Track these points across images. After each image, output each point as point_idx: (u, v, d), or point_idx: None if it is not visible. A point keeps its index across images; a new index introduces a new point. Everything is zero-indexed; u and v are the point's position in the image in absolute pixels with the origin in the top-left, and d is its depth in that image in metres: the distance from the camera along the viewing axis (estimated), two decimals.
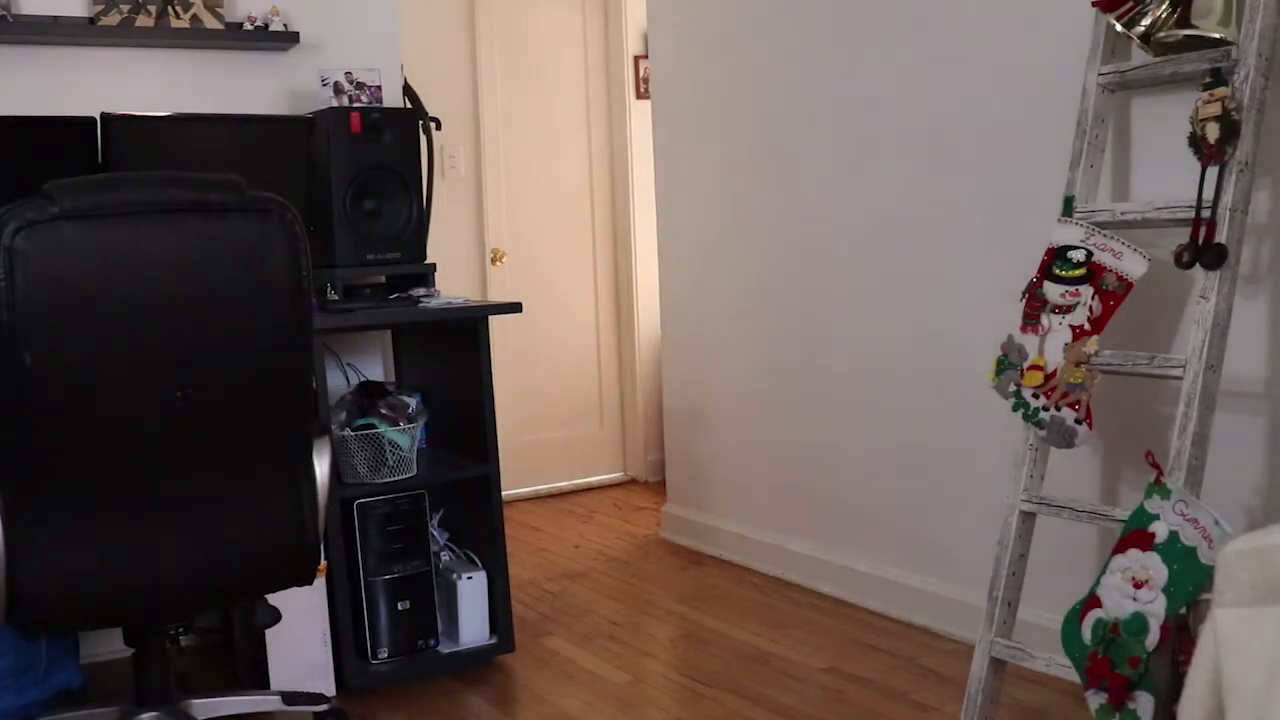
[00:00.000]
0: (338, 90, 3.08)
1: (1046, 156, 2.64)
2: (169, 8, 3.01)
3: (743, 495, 3.84)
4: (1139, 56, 2.35)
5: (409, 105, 3.34)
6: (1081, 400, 2.26)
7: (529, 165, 4.89)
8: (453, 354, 3.03)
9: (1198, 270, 2.13)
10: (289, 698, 2.52)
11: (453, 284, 4.71)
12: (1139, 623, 2.02)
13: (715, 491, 3.95)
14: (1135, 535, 2.06)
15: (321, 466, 2.22)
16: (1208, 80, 2.12)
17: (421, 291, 3.02)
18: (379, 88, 3.14)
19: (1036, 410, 2.31)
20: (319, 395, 2.73)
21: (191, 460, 2.04)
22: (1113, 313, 2.25)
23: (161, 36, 3.02)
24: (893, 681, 2.75)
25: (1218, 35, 2.16)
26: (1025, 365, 2.32)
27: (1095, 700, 2.07)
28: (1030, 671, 2.40)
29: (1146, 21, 2.28)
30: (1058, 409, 2.28)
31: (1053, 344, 2.29)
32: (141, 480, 2.01)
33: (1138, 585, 2.04)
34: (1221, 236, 2.10)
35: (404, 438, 2.81)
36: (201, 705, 2.39)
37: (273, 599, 2.58)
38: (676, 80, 4.02)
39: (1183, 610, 1.99)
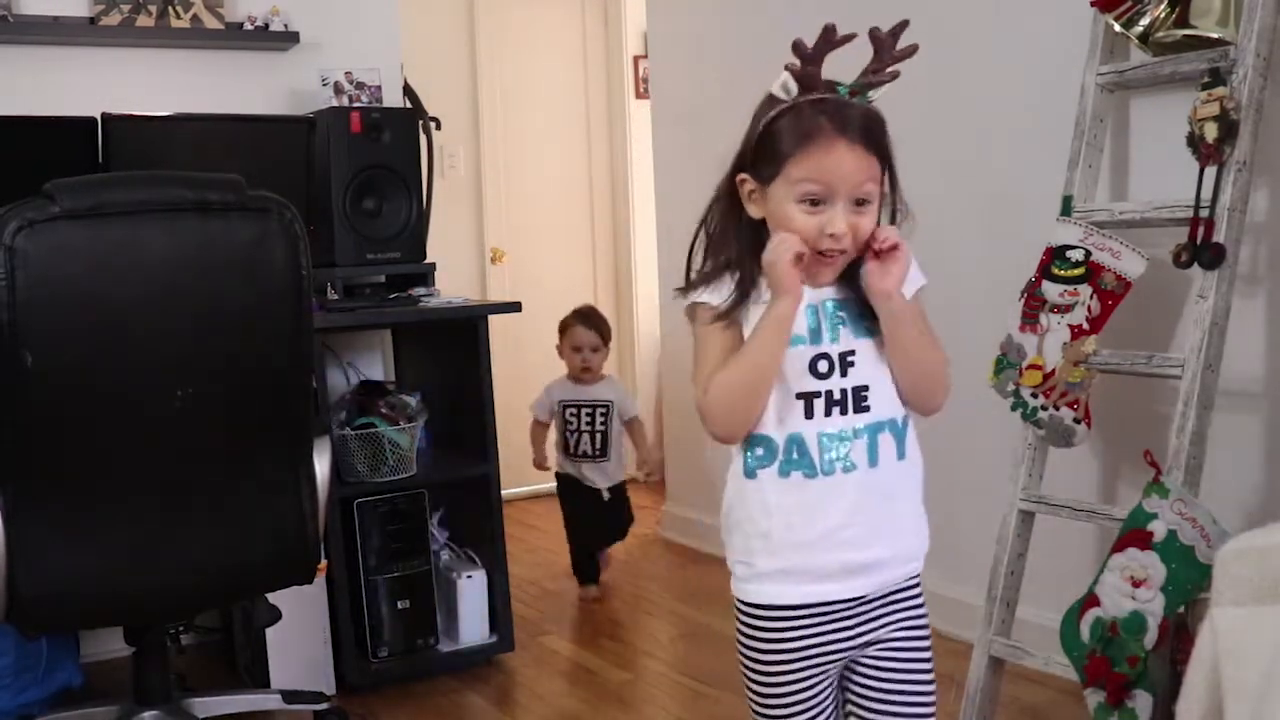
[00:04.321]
0: (338, 90, 3.08)
1: (1045, 156, 2.64)
2: (169, 8, 3.01)
3: None
4: (1137, 56, 2.35)
5: (409, 105, 3.34)
6: (1080, 399, 2.26)
7: (529, 165, 4.89)
8: (453, 353, 3.03)
9: (1196, 270, 2.13)
10: (289, 696, 2.52)
11: (452, 283, 4.69)
12: (1137, 622, 2.02)
13: (715, 490, 3.93)
14: (1133, 534, 2.07)
15: (321, 466, 2.22)
16: (1206, 80, 2.12)
17: (421, 291, 3.02)
18: (379, 87, 3.15)
19: (1035, 409, 2.31)
20: (319, 394, 2.73)
21: (191, 459, 2.04)
22: (1111, 312, 2.25)
23: (162, 36, 3.02)
24: None
25: (1216, 35, 2.17)
26: (1024, 364, 2.32)
27: (1094, 699, 2.08)
28: (1029, 670, 2.40)
29: (1145, 21, 2.28)
30: (1056, 408, 2.28)
31: (1051, 343, 2.29)
32: (141, 479, 2.01)
33: (1136, 584, 2.04)
34: (1220, 236, 2.10)
35: (404, 437, 2.81)
36: (202, 704, 2.39)
37: (273, 598, 2.58)
38: (676, 80, 4.02)
39: (1181, 609, 1.99)
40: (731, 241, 1.45)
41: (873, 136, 1.39)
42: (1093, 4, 2.35)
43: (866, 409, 1.41)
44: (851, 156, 1.36)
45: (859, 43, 1.44)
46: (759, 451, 1.41)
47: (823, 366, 1.40)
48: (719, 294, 1.43)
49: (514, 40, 4.84)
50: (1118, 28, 2.32)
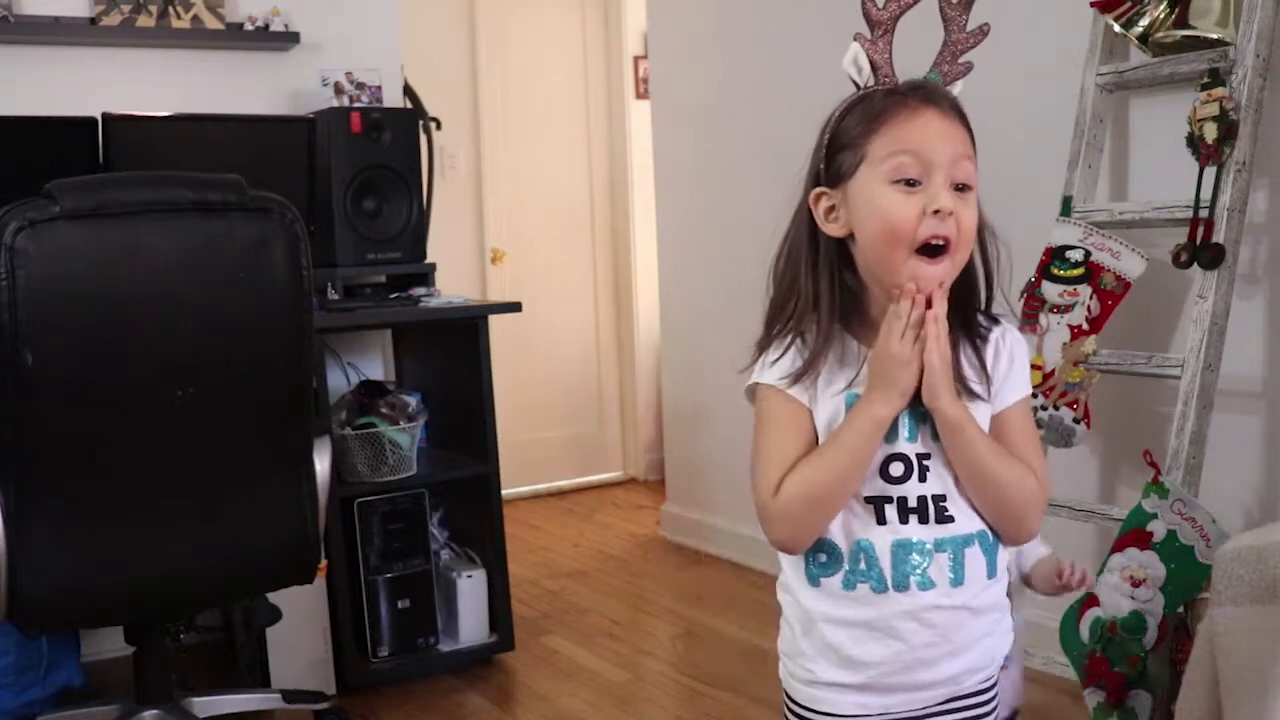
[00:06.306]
0: (338, 90, 3.09)
1: (1045, 156, 2.65)
2: (170, 8, 3.01)
3: (742, 494, 3.83)
4: (1137, 57, 2.36)
5: (409, 105, 3.34)
6: (1079, 399, 2.26)
7: (529, 165, 4.89)
8: (453, 353, 3.03)
9: (1195, 270, 2.14)
10: (289, 696, 2.52)
11: (453, 284, 4.70)
12: (1137, 621, 2.03)
13: (715, 490, 3.95)
14: (1133, 534, 2.07)
15: (322, 465, 2.22)
16: (1206, 80, 2.13)
17: (421, 291, 3.02)
18: (379, 88, 3.15)
19: (1035, 410, 2.31)
20: (319, 394, 2.73)
21: (192, 459, 2.04)
22: (1111, 312, 2.25)
23: (162, 37, 3.02)
24: None
25: (1216, 35, 2.17)
26: None
27: (1093, 698, 2.08)
28: (1029, 670, 2.41)
29: (1145, 22, 2.28)
30: (1056, 408, 2.29)
31: (1051, 343, 2.30)
32: (142, 479, 2.01)
33: (1135, 584, 2.05)
34: (1219, 236, 2.10)
35: (404, 437, 2.82)
36: (202, 703, 2.39)
37: (273, 597, 2.59)
38: (676, 80, 4.03)
39: (1180, 609, 2.00)
40: (807, 274, 1.22)
41: (963, 114, 1.19)
42: (1093, 4, 2.36)
43: (949, 519, 1.19)
44: (944, 124, 1.16)
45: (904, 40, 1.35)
46: (822, 558, 1.21)
47: (896, 469, 1.19)
48: (782, 367, 1.23)
49: (514, 40, 4.84)
50: (1117, 28, 2.32)
